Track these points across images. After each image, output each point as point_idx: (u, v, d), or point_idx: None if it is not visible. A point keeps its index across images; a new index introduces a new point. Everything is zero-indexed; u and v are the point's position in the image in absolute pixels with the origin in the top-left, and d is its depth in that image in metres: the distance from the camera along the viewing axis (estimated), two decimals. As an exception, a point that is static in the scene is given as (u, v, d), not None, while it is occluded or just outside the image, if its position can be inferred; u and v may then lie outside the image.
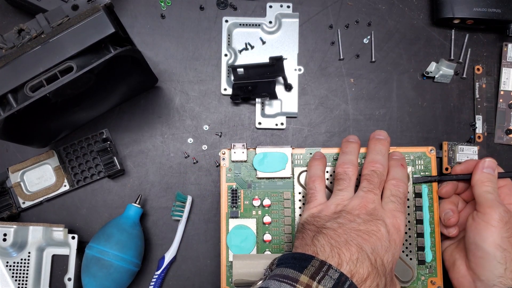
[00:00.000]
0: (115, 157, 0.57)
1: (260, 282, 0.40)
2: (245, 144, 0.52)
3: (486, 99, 0.61)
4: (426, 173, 0.53)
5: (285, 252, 0.51)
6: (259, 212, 0.52)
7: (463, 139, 0.60)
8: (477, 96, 0.61)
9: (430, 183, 0.52)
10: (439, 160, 0.59)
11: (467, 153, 0.58)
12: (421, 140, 0.60)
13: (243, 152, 0.52)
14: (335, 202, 0.45)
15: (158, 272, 0.56)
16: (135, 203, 0.56)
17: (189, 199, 0.58)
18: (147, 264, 0.58)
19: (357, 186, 0.47)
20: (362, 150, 0.52)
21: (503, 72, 0.61)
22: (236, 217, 0.52)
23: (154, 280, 0.56)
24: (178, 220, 0.58)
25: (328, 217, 0.43)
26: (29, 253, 0.55)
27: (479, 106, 0.61)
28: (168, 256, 0.57)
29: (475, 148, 0.59)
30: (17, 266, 0.54)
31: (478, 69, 0.61)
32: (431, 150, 0.53)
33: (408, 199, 0.51)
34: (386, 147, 0.49)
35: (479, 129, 0.60)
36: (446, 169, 0.58)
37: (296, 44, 0.61)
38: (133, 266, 0.53)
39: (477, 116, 0.60)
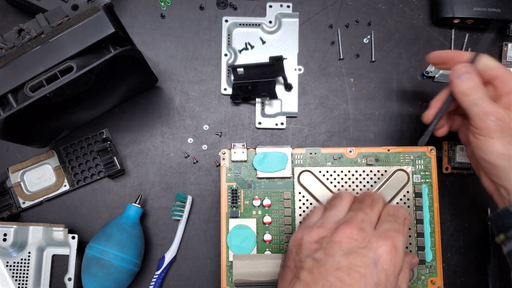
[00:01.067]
0: (115, 157, 0.57)
1: None
2: (245, 144, 0.52)
3: None
4: (426, 173, 0.53)
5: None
6: (259, 212, 0.52)
7: (463, 139, 0.60)
8: None
9: (430, 184, 0.52)
10: (439, 159, 0.59)
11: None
12: (421, 140, 0.60)
13: (243, 152, 0.52)
14: (320, 225, 0.40)
15: (158, 272, 0.56)
16: (135, 203, 0.56)
17: (189, 199, 0.58)
18: (147, 264, 0.58)
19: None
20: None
21: (503, 72, 0.61)
22: (236, 217, 0.52)
23: (154, 280, 0.56)
24: (178, 220, 0.58)
25: (308, 249, 0.38)
26: (29, 253, 0.55)
27: None
28: (168, 256, 0.57)
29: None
30: (17, 266, 0.54)
31: None
32: (431, 150, 0.53)
33: (408, 199, 0.51)
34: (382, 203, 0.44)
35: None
36: (446, 168, 0.58)
37: (296, 44, 0.61)
38: (133, 266, 0.53)
39: None
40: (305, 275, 0.37)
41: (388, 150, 0.53)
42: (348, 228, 0.37)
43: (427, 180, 0.52)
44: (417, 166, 0.53)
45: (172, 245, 0.57)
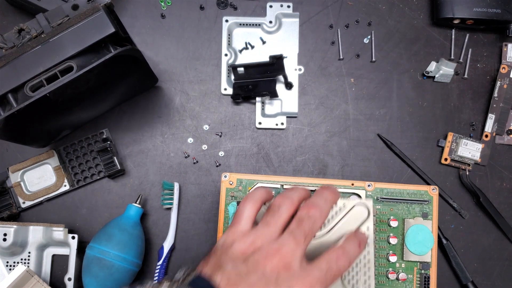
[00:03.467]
0: (115, 157, 0.57)
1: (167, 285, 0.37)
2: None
3: (503, 100, 0.60)
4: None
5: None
6: None
7: (463, 139, 0.60)
8: (496, 95, 0.60)
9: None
10: (440, 150, 0.59)
11: (470, 149, 0.58)
12: (421, 140, 0.60)
13: None
14: (251, 239, 0.38)
15: (160, 262, 0.56)
16: (135, 203, 0.56)
17: (176, 185, 0.57)
18: (148, 264, 0.58)
19: None
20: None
21: (503, 72, 0.61)
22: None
23: (158, 271, 0.56)
24: (170, 208, 0.58)
25: (234, 256, 0.37)
26: (29, 253, 0.55)
27: (494, 105, 0.60)
28: (167, 244, 0.57)
29: (480, 146, 0.59)
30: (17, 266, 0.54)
31: (504, 68, 0.60)
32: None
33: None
34: (334, 199, 0.42)
35: (488, 128, 0.60)
36: (446, 159, 0.57)
37: (296, 44, 0.61)
38: (134, 267, 0.53)
39: (489, 115, 0.60)
40: (219, 276, 0.36)
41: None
42: (275, 260, 0.37)
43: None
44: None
45: (169, 233, 0.57)
